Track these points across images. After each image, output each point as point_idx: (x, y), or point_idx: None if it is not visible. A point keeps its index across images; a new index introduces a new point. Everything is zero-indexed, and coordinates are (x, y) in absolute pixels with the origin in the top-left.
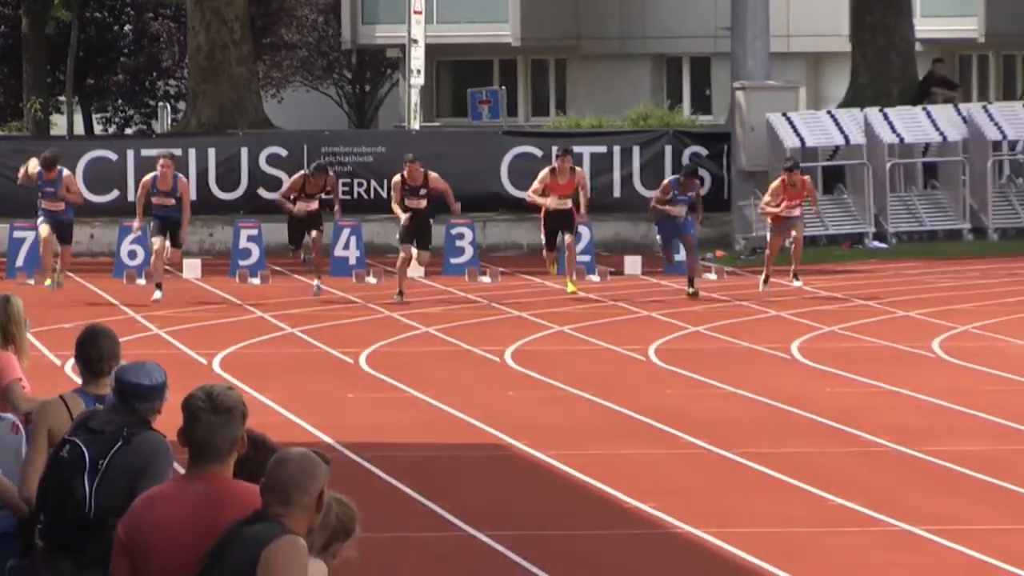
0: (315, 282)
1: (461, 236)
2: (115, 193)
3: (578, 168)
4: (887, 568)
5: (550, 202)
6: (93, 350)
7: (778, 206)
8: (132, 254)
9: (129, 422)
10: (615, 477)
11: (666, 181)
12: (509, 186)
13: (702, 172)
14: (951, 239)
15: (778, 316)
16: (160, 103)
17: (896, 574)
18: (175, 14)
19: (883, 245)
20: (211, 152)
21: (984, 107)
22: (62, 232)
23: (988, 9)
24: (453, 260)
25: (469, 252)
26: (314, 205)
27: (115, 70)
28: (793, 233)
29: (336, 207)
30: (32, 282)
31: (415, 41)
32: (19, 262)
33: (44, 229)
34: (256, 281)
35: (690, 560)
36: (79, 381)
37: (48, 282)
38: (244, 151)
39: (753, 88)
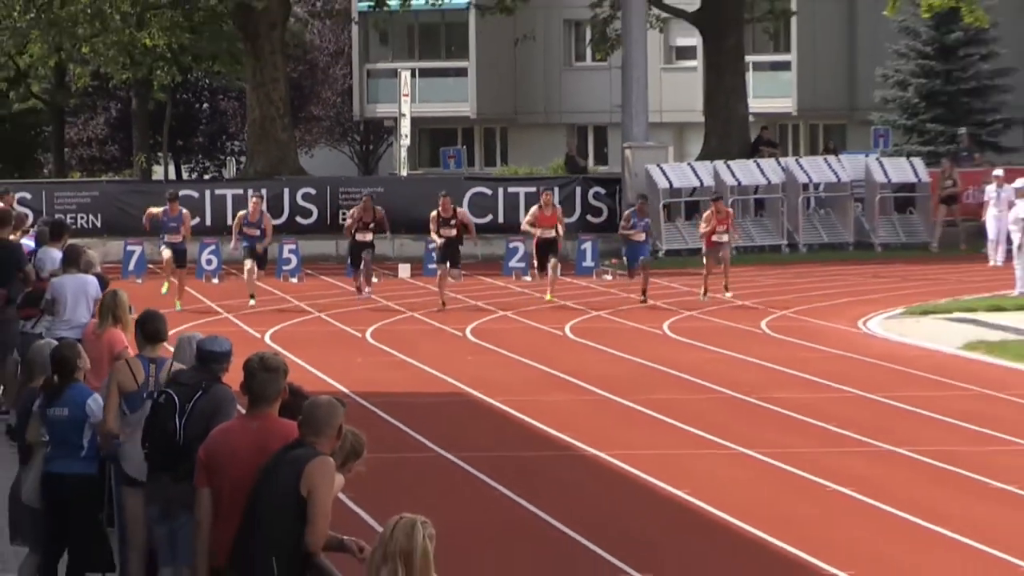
0: (366, 288)
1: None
2: (197, 219)
3: (557, 205)
4: (729, 479)
5: (539, 232)
6: (150, 326)
7: (712, 230)
8: (208, 261)
9: (206, 378)
10: (542, 415)
11: (626, 212)
12: (470, 215)
13: (601, 204)
14: (773, 251)
15: (654, 305)
16: (228, 157)
17: (735, 483)
18: (238, 96)
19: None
20: (264, 191)
21: (796, 160)
22: (179, 258)
23: (799, 93)
24: (429, 265)
25: None
26: (368, 236)
27: (197, 134)
28: (722, 254)
29: (386, 232)
30: (139, 281)
31: (403, 115)
32: (131, 267)
33: (166, 253)
34: (295, 281)
35: (593, 472)
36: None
37: (178, 306)
38: (286, 191)
39: (636, 147)
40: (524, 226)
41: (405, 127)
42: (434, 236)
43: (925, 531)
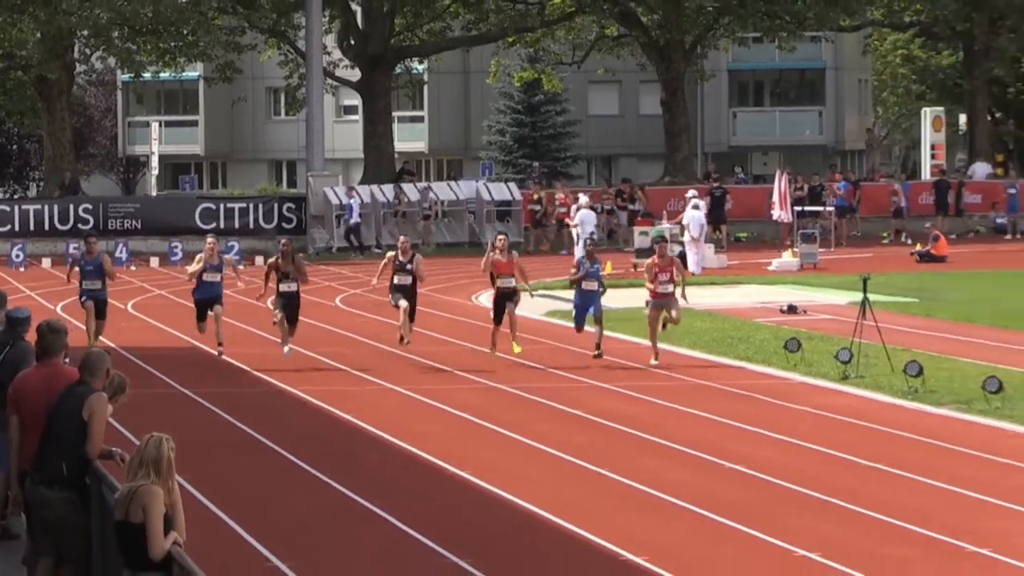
0: (286, 347)
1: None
2: (8, 227)
3: (514, 251)
4: (467, 398)
5: (498, 283)
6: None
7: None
8: (17, 255)
9: (13, 337)
10: (252, 362)
11: (575, 260)
12: (199, 223)
13: (292, 216)
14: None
15: (330, 286)
16: (31, 183)
17: (472, 400)
18: (38, 140)
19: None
20: (56, 207)
21: (428, 184)
22: (99, 308)
23: (430, 137)
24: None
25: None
26: (294, 287)
27: (9, 166)
28: (672, 313)
29: (300, 283)
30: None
31: (153, 153)
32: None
33: (89, 304)
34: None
35: (290, 402)
36: None
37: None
38: (71, 206)
39: (316, 175)
40: (483, 270)
41: (155, 161)
42: (385, 281)
43: (579, 467)
